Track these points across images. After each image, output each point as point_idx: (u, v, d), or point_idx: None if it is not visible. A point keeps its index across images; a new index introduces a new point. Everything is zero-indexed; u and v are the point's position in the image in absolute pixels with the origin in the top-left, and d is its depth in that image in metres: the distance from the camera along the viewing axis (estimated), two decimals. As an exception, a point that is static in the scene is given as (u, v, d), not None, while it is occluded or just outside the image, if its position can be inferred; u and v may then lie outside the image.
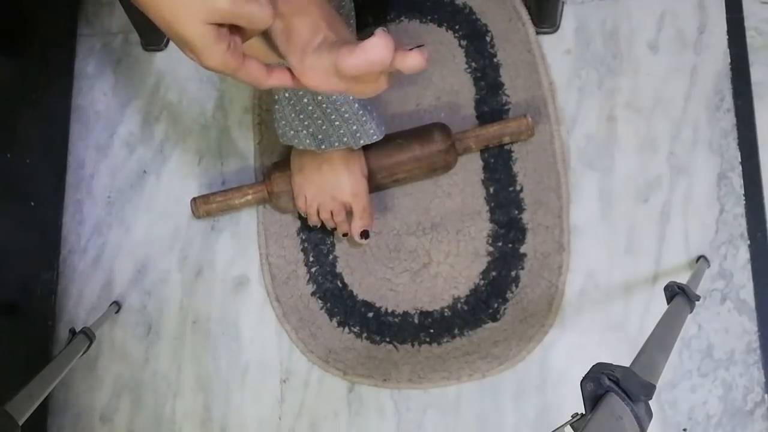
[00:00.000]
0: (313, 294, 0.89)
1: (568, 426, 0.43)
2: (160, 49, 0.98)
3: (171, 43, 0.98)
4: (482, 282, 0.86)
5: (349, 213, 0.85)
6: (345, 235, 0.86)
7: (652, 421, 0.44)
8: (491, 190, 0.88)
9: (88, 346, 0.78)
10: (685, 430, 0.80)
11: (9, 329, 0.91)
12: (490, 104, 0.90)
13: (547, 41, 0.91)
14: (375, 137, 0.79)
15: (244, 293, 0.90)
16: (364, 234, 0.85)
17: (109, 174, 0.96)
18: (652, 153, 0.87)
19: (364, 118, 0.77)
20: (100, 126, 0.97)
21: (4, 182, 0.95)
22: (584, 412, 0.43)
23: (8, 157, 0.96)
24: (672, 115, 0.88)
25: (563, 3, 0.91)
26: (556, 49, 0.91)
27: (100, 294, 0.92)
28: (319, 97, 0.73)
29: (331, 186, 0.83)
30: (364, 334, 0.87)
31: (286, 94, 0.74)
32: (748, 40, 0.88)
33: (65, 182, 0.96)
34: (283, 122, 0.77)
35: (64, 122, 0.97)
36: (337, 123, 0.76)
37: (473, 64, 0.91)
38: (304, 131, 0.77)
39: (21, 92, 0.98)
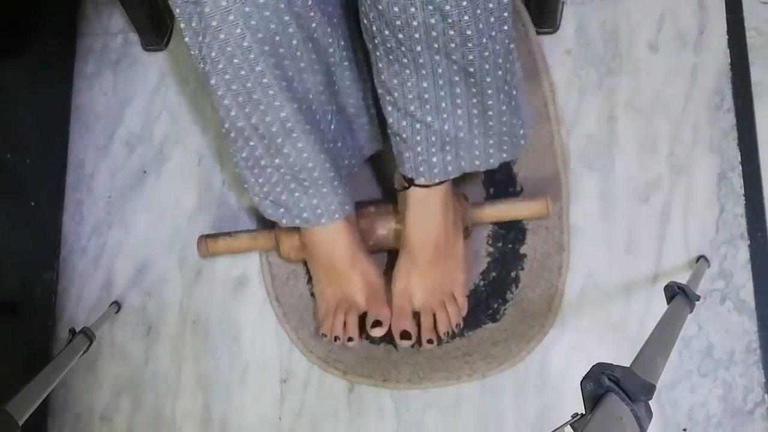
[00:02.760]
0: (313, 294, 0.89)
1: (568, 426, 0.43)
2: (160, 49, 0.98)
3: (171, 43, 0.99)
4: (482, 282, 0.86)
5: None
6: (350, 339, 0.82)
7: (652, 421, 0.44)
8: (491, 190, 0.88)
9: (88, 346, 0.78)
10: (685, 430, 0.80)
11: (9, 329, 0.91)
12: (490, 104, 0.90)
13: (547, 41, 0.91)
14: (337, 216, 0.76)
15: (244, 293, 0.90)
16: (376, 323, 0.82)
17: (109, 174, 0.96)
18: (652, 153, 0.87)
19: (324, 190, 0.73)
20: (100, 126, 0.97)
21: (4, 182, 0.95)
22: (584, 412, 0.43)
23: (8, 157, 0.96)
24: (672, 115, 0.88)
25: (563, 3, 0.91)
26: (556, 49, 0.91)
27: (100, 294, 0.92)
28: (277, 161, 0.70)
29: (347, 291, 0.82)
30: (365, 334, 0.86)
31: (243, 155, 0.70)
32: (748, 40, 0.88)
33: (65, 182, 0.96)
34: (246, 185, 0.75)
35: (64, 122, 0.97)
36: (297, 194, 0.73)
37: (473, 64, 0.91)
38: (266, 199, 0.75)
39: (21, 92, 0.98)
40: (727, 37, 0.89)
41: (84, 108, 0.98)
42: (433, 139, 0.69)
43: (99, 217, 0.94)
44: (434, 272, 0.80)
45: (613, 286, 0.84)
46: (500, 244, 0.87)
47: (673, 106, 0.88)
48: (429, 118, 0.68)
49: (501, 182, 0.88)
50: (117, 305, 0.91)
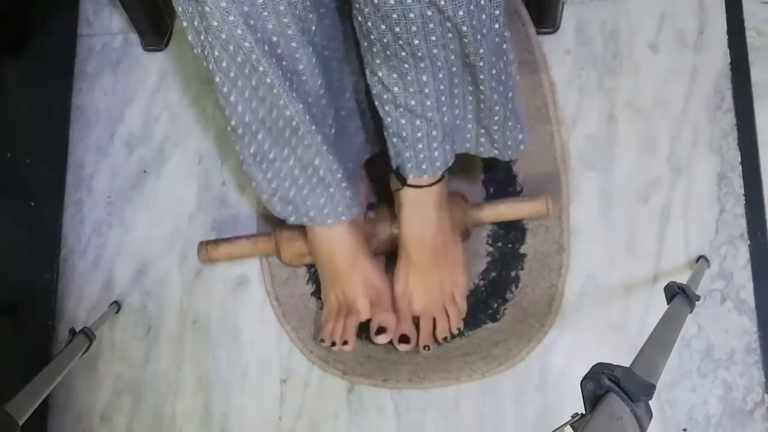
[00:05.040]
0: (313, 294, 0.89)
1: (568, 426, 0.43)
2: (160, 49, 0.98)
3: (171, 43, 0.99)
4: (482, 282, 0.86)
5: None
6: (345, 343, 0.81)
7: (652, 421, 0.44)
8: (491, 190, 0.88)
9: (88, 346, 0.78)
10: (685, 430, 0.80)
11: (9, 329, 0.91)
12: (490, 104, 0.90)
13: (547, 41, 0.91)
14: (343, 217, 0.76)
15: (244, 293, 0.90)
16: (380, 330, 0.81)
17: (109, 174, 0.96)
18: (652, 153, 0.87)
19: (331, 190, 0.73)
20: (100, 126, 0.97)
21: (4, 182, 0.95)
22: (584, 412, 0.43)
23: (8, 157, 0.96)
24: (672, 115, 0.88)
25: (563, 3, 0.91)
26: (556, 49, 0.91)
27: (100, 294, 0.92)
28: (285, 152, 0.70)
29: (351, 297, 0.82)
30: (364, 334, 0.87)
31: (251, 150, 0.70)
32: (748, 40, 0.88)
33: (65, 182, 0.96)
34: (254, 183, 0.74)
35: (64, 122, 0.97)
36: (305, 190, 0.73)
37: (473, 64, 0.91)
38: (274, 196, 0.74)
39: (21, 92, 0.98)
40: (727, 37, 0.89)
41: (84, 108, 0.98)
42: (434, 133, 0.69)
43: (99, 217, 0.94)
44: (433, 274, 0.80)
45: (613, 286, 0.84)
46: (500, 244, 0.87)
47: (673, 106, 0.88)
48: (430, 114, 0.68)
49: (501, 182, 0.88)
50: (117, 305, 0.91)
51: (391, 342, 0.83)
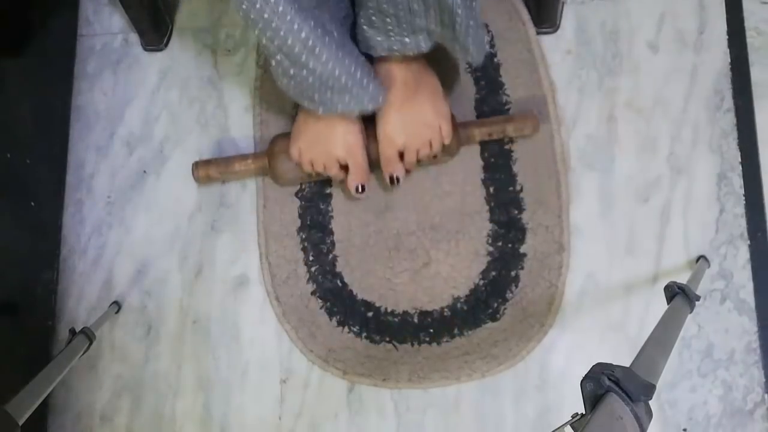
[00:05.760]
0: (312, 293, 0.89)
1: (568, 426, 0.43)
2: (160, 49, 0.98)
3: (171, 43, 0.98)
4: (482, 282, 0.86)
5: (345, 167, 0.84)
6: (341, 181, 0.86)
7: (652, 421, 0.44)
8: (491, 190, 0.88)
9: (88, 346, 0.78)
10: (685, 430, 0.80)
11: (9, 329, 0.91)
12: (491, 104, 0.90)
13: (547, 41, 0.91)
14: (370, 107, 0.78)
15: (244, 293, 0.90)
16: (361, 188, 0.84)
17: (109, 174, 0.96)
18: (652, 153, 0.87)
19: (354, 91, 0.75)
20: (100, 126, 0.97)
21: (4, 182, 0.95)
22: (584, 412, 0.43)
23: (8, 157, 0.96)
24: (672, 115, 0.88)
25: (563, 3, 0.91)
26: (556, 49, 0.91)
27: (100, 294, 0.92)
28: (304, 72, 0.72)
29: (326, 140, 0.82)
30: (364, 334, 0.87)
31: (272, 63, 0.73)
32: (748, 40, 0.88)
33: (65, 182, 0.96)
34: (279, 85, 0.77)
35: (64, 122, 0.97)
36: (328, 94, 0.76)
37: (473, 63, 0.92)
38: (300, 96, 0.77)
39: (21, 92, 0.98)
40: (727, 37, 0.89)
41: (84, 108, 0.98)
42: (404, 25, 0.72)
43: (99, 217, 0.94)
44: (410, 107, 0.81)
45: (613, 286, 0.84)
46: (500, 244, 0.87)
47: (673, 106, 0.88)
48: (401, 14, 0.70)
49: (501, 180, 0.88)
50: (117, 305, 0.91)
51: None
